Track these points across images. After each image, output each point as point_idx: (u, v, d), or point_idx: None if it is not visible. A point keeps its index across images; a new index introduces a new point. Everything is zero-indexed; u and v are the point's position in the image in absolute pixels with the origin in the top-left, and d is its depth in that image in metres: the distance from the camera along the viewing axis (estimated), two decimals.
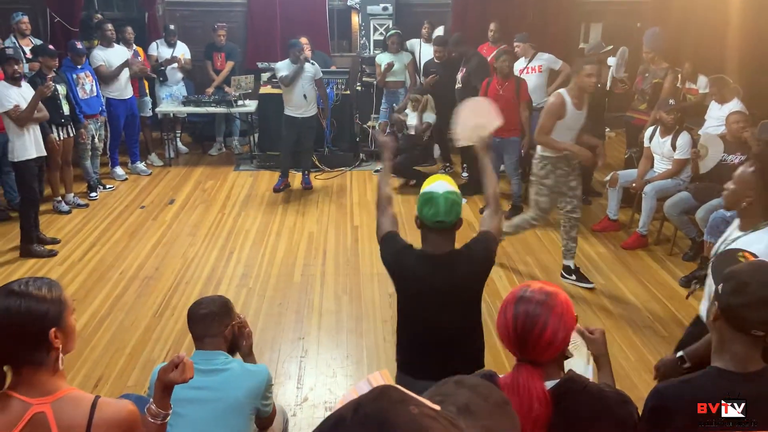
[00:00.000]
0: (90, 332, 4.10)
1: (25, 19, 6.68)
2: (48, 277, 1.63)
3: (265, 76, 7.93)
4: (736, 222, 2.53)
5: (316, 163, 7.35)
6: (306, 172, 6.95)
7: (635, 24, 8.48)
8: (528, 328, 1.51)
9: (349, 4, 8.57)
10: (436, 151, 7.42)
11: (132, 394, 2.95)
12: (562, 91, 4.44)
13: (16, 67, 5.12)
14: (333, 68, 7.97)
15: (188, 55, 7.81)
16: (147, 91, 7.60)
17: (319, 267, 5.09)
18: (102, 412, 1.53)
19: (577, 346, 1.93)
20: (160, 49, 7.65)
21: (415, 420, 0.74)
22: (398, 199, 6.46)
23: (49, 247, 5.34)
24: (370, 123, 7.68)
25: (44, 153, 5.35)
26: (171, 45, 7.66)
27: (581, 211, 4.76)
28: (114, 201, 6.50)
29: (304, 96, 6.46)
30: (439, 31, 7.79)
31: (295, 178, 7.02)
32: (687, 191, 5.04)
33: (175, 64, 7.62)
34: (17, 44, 6.46)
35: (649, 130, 5.47)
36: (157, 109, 7.56)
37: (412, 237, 2.54)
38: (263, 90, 7.68)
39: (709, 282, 2.52)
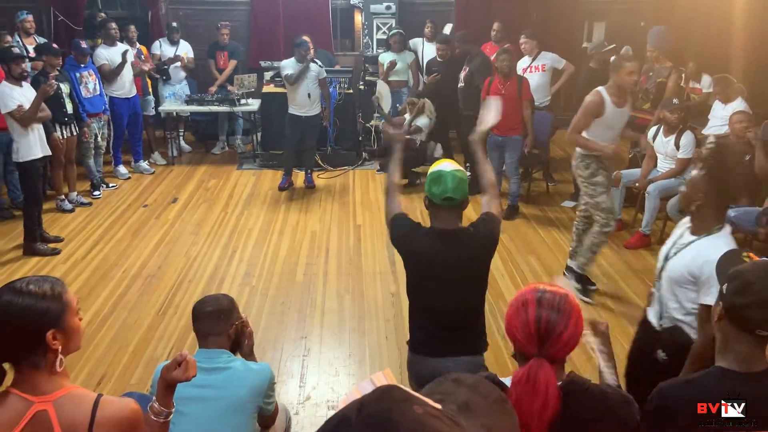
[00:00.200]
0: (93, 330, 4.10)
1: (30, 17, 6.69)
2: (54, 277, 1.61)
3: (268, 74, 7.94)
4: (686, 225, 2.52)
5: (319, 162, 7.36)
6: (309, 171, 6.95)
7: (638, 23, 8.47)
8: (551, 327, 1.51)
9: (352, 2, 8.57)
10: (438, 150, 7.41)
11: (135, 392, 2.95)
12: (600, 89, 4.28)
13: (23, 66, 5.12)
14: (337, 67, 7.98)
15: (191, 54, 7.82)
16: (150, 89, 7.61)
17: (321, 266, 5.09)
18: (104, 410, 1.53)
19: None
20: (163, 48, 7.66)
21: (419, 419, 0.74)
22: None
23: (52, 245, 5.35)
24: (372, 122, 7.68)
25: (49, 152, 5.35)
26: (174, 43, 7.67)
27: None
28: (117, 199, 6.51)
29: (309, 95, 6.47)
30: (447, 29, 7.78)
31: (298, 177, 7.03)
32: None
33: (178, 63, 7.63)
34: (21, 43, 6.47)
35: (653, 129, 5.46)
36: (160, 108, 7.57)
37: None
38: (266, 89, 7.69)
39: (659, 286, 2.53)
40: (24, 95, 5.08)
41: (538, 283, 1.60)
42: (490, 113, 3.03)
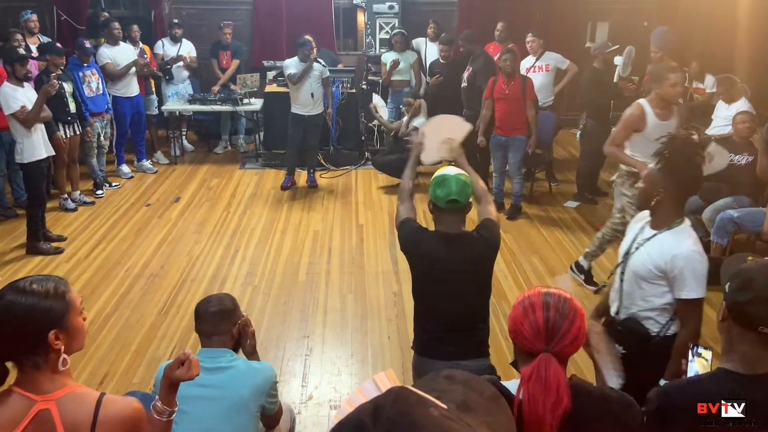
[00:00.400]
0: (96, 329, 4.11)
1: (34, 17, 6.71)
2: (58, 276, 1.61)
3: (270, 74, 7.94)
4: (645, 220, 2.52)
5: (322, 161, 7.36)
6: (311, 170, 6.95)
7: (642, 23, 8.46)
8: (557, 327, 1.50)
9: (355, 2, 8.57)
10: None
11: (137, 391, 2.96)
12: (642, 101, 4.08)
13: (28, 66, 5.12)
14: (340, 66, 7.98)
15: (194, 53, 7.83)
16: (153, 89, 7.62)
17: (324, 265, 5.09)
18: (107, 409, 1.52)
19: None
20: (165, 47, 7.67)
21: (438, 423, 0.74)
22: (389, 199, 6.47)
23: (55, 244, 5.35)
24: (375, 122, 7.68)
25: (53, 152, 5.36)
26: (176, 40, 7.67)
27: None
28: (120, 199, 6.52)
29: (311, 94, 6.47)
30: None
31: (301, 177, 7.03)
32: None
33: (181, 63, 7.64)
34: (25, 43, 6.47)
35: None
36: (163, 107, 7.58)
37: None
38: (269, 88, 7.70)
39: (618, 281, 2.54)
40: (26, 96, 5.07)
41: (541, 287, 1.59)
42: (429, 136, 3.02)
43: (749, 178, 4.90)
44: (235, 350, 2.44)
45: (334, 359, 3.89)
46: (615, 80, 6.29)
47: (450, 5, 8.68)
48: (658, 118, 4.00)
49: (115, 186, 6.83)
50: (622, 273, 2.53)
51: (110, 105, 6.65)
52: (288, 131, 6.73)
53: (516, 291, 4.63)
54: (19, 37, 6.10)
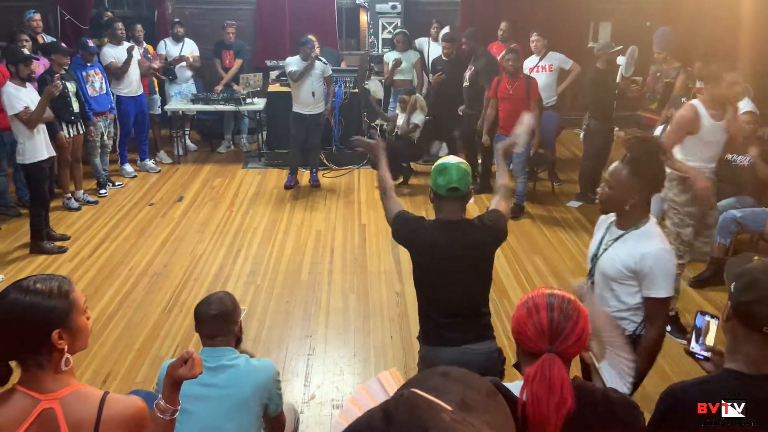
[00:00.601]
0: (99, 328, 4.11)
1: (37, 16, 6.72)
2: (62, 275, 1.61)
3: (273, 74, 7.95)
4: (609, 221, 2.51)
5: (324, 161, 7.36)
6: (314, 170, 6.96)
7: (645, 23, 8.44)
8: (561, 328, 1.50)
9: (357, 2, 8.58)
10: (444, 149, 7.41)
11: (141, 390, 2.97)
12: (695, 102, 3.92)
13: (32, 67, 5.13)
14: (343, 65, 7.98)
15: (197, 53, 7.84)
16: (156, 88, 7.64)
17: (326, 265, 5.09)
18: (111, 408, 1.53)
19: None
20: (168, 47, 7.68)
21: (450, 427, 0.74)
22: None
23: (58, 243, 5.36)
24: (377, 121, 7.68)
25: (54, 153, 5.36)
26: (178, 39, 7.68)
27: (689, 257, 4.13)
28: (123, 198, 6.53)
29: (313, 93, 6.47)
30: (446, 30, 7.77)
31: (303, 176, 7.03)
32: None
33: (184, 63, 7.65)
34: (30, 42, 6.49)
35: (659, 128, 5.44)
36: (166, 107, 7.59)
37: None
38: (272, 88, 7.71)
39: (587, 284, 2.54)
40: (29, 96, 5.07)
41: (545, 288, 1.60)
42: (523, 129, 3.13)
43: (752, 178, 4.89)
44: (236, 345, 2.45)
45: (336, 359, 3.89)
46: (618, 80, 6.28)
47: (453, 5, 8.68)
48: (714, 119, 3.86)
49: (119, 185, 6.84)
50: (592, 276, 2.53)
51: (113, 104, 6.66)
52: (290, 131, 6.73)
53: (518, 290, 4.63)
54: (25, 37, 6.11)
